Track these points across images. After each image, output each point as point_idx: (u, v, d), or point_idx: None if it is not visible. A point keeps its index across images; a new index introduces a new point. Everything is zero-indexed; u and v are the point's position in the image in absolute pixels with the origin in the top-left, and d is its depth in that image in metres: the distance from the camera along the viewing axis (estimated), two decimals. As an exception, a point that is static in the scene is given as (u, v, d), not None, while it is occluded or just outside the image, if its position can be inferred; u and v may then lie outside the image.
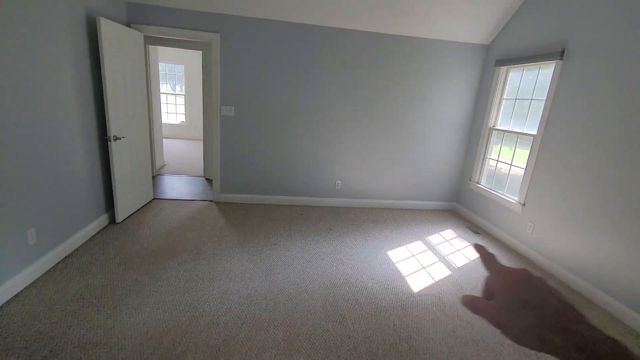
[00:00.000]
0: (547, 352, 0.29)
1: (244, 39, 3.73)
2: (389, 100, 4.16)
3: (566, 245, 2.94)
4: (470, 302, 0.37)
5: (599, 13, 2.72)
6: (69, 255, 2.68)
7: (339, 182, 4.38)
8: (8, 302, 2.08)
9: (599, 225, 2.65)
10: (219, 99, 3.88)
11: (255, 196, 4.27)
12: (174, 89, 9.19)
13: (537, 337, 0.30)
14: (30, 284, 2.27)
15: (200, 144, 8.40)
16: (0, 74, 1.98)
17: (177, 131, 9.24)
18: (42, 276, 2.37)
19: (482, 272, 2.97)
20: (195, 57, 8.57)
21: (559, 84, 3.08)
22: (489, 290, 0.38)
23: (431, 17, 3.67)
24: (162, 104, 7.07)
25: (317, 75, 3.96)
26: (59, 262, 2.56)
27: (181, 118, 9.37)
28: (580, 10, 2.89)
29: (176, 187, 4.74)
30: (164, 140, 8.09)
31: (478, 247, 0.42)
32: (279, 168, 4.23)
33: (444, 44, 4.03)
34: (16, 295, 2.14)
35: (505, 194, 3.78)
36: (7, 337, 1.82)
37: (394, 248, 3.33)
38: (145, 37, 4.07)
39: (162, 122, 7.43)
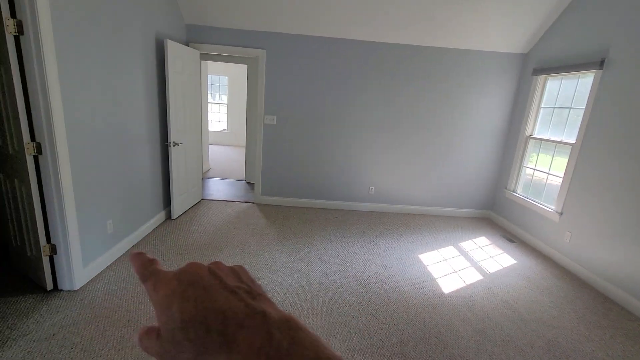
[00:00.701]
0: None
1: (287, 54, 4.07)
2: (424, 108, 4.29)
3: (605, 255, 2.90)
4: (142, 339, 0.26)
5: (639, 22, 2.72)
6: (136, 244, 3.09)
7: (373, 187, 4.55)
8: (93, 279, 2.48)
9: (639, 235, 2.61)
10: (262, 108, 4.23)
11: (294, 199, 4.56)
12: (214, 98, 9.86)
13: None
14: (108, 267, 2.68)
15: (240, 150, 8.93)
16: (94, 89, 2.41)
17: (219, 138, 9.88)
18: (116, 260, 2.78)
19: (514, 278, 3.01)
20: (238, 69, 9.17)
21: (598, 93, 3.07)
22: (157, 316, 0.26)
23: (467, 29, 3.78)
24: (208, 113, 7.65)
25: (353, 85, 4.19)
26: (128, 250, 2.97)
27: (223, 126, 10.00)
28: (620, 20, 2.89)
29: (221, 189, 5.16)
30: (209, 146, 8.70)
31: (134, 257, 0.28)
32: (317, 173, 4.49)
33: (480, 54, 4.11)
34: (99, 274, 2.56)
35: (542, 202, 3.75)
36: (94, 308, 2.19)
37: (425, 252, 3.44)
38: (200, 53, 4.54)
39: (208, 129, 8.03)
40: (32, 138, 2.07)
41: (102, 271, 2.61)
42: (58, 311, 2.12)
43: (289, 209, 4.44)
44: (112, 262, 2.75)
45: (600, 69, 3.03)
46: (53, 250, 2.26)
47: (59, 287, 2.33)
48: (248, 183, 5.60)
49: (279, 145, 4.37)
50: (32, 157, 2.09)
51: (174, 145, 3.56)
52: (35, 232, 2.19)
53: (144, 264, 0.28)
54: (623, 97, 2.83)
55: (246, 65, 5.26)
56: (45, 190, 2.16)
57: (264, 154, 4.41)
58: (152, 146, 3.34)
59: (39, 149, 2.08)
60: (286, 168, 4.46)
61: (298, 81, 4.16)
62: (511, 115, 4.34)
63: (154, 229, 3.46)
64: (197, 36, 3.99)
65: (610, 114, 2.94)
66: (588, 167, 3.13)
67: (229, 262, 2.88)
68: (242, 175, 6.12)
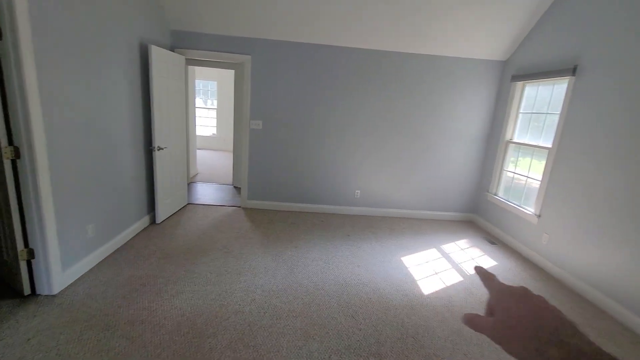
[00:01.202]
0: None
1: (272, 60, 4.12)
2: (408, 113, 4.38)
3: (580, 256, 2.98)
4: (471, 320, 0.38)
5: (608, 30, 2.84)
6: (118, 248, 3.08)
7: (358, 191, 4.61)
8: (72, 284, 2.47)
9: (613, 236, 2.70)
10: (248, 113, 4.27)
11: (279, 203, 4.58)
12: (205, 103, 9.87)
13: (535, 350, 0.31)
14: (89, 271, 2.67)
15: (230, 155, 8.92)
16: (75, 93, 2.42)
17: (208, 143, 9.86)
18: (97, 264, 2.77)
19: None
20: (227, 74, 9.20)
21: (572, 99, 3.18)
22: (490, 309, 0.39)
23: (449, 37, 3.89)
24: (196, 118, 7.65)
25: (339, 90, 4.26)
26: (110, 254, 2.96)
27: (212, 130, 9.99)
28: (590, 28, 3.01)
29: (207, 193, 5.16)
30: (197, 151, 8.68)
31: (478, 269, 0.44)
32: (302, 177, 4.53)
33: (462, 61, 4.22)
34: (79, 279, 2.54)
35: (521, 205, 3.84)
36: (73, 311, 2.18)
37: (408, 254, 3.50)
38: (186, 59, 4.57)
39: (196, 134, 8.01)
40: (10, 142, 2.07)
41: (82, 275, 2.60)
42: (35, 316, 2.11)
43: (275, 212, 4.46)
44: (94, 266, 2.74)
45: (573, 75, 3.15)
46: (31, 254, 2.24)
47: (37, 292, 2.31)
48: (235, 187, 5.61)
49: (265, 150, 4.41)
50: (10, 161, 2.09)
51: (158, 150, 3.57)
52: (13, 236, 2.18)
53: (485, 276, 0.42)
54: (595, 101, 2.94)
55: (233, 71, 5.30)
56: (23, 194, 2.15)
57: (250, 159, 4.43)
58: (136, 150, 3.34)
59: (17, 153, 2.08)
60: (272, 172, 4.49)
61: (283, 86, 4.21)
62: (492, 120, 4.46)
63: (138, 233, 3.45)
64: (182, 42, 4.03)
65: (584, 119, 3.04)
66: (564, 171, 3.23)
67: (212, 265, 2.89)
68: (230, 179, 6.12)
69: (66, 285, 2.44)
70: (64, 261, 2.42)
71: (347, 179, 4.57)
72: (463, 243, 3.93)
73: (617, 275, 2.65)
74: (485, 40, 3.95)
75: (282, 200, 4.59)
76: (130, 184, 3.29)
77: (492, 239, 4.11)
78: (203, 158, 8.19)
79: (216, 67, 5.13)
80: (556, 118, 3.41)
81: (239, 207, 4.59)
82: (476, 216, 4.71)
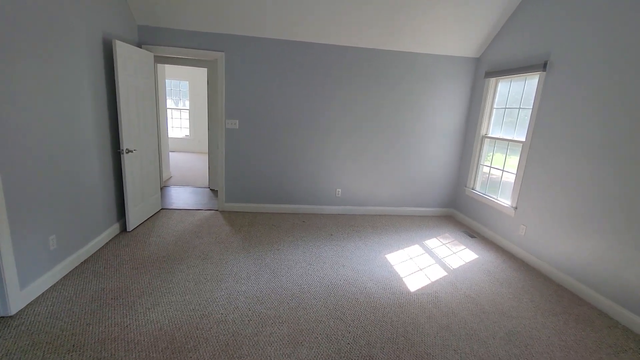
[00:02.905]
0: None
1: (247, 57, 3.98)
2: (386, 111, 4.37)
3: (555, 246, 3.08)
4: None
5: (577, 27, 2.94)
6: (85, 260, 2.85)
7: (339, 190, 4.55)
8: (32, 303, 2.24)
9: (584, 225, 2.80)
10: (223, 112, 4.10)
11: (259, 205, 4.44)
12: (177, 104, 9.49)
13: None
14: (51, 287, 2.43)
15: (204, 157, 8.64)
16: (28, 92, 2.19)
17: (181, 145, 9.50)
18: (61, 279, 2.54)
19: (476, 273, 3.11)
20: (199, 73, 8.90)
21: (543, 93, 3.28)
22: None
23: (424, 33, 3.91)
24: (167, 119, 7.32)
25: (317, 89, 4.18)
26: (76, 267, 2.73)
27: (185, 132, 9.64)
28: (560, 25, 3.11)
29: (182, 197, 4.92)
30: (170, 153, 8.33)
31: None
32: (282, 177, 4.41)
33: (436, 58, 4.27)
34: (39, 297, 2.31)
35: (498, 198, 3.93)
36: (33, 334, 1.97)
37: (392, 252, 3.48)
38: (154, 56, 4.33)
39: (168, 136, 7.70)
40: (-48, 147, 1.83)
41: (44, 292, 2.36)
42: (-12, 341, 1.88)
43: (255, 215, 4.33)
44: (57, 282, 2.50)
45: (543, 71, 3.24)
46: (-18, 272, 2.00)
47: (-9, 314, 2.07)
48: (212, 190, 5.41)
49: (242, 150, 4.26)
50: (-47, 168, 1.85)
51: (127, 152, 3.34)
52: (-41, 253, 1.94)
53: None
54: (564, 96, 3.04)
55: (206, 69, 5.10)
56: (-30, 205, 1.91)
57: (226, 159, 4.27)
58: (102, 154, 3.10)
59: (-40, 159, 1.85)
60: (250, 173, 4.35)
61: (259, 85, 4.08)
62: (467, 116, 4.54)
63: (107, 243, 3.21)
64: (150, 38, 3.80)
65: (554, 112, 3.14)
66: (537, 163, 3.33)
67: (190, 273, 2.73)
68: (206, 182, 5.89)
69: (25, 304, 2.21)
70: (22, 278, 2.19)
71: (328, 178, 4.50)
72: (444, 238, 3.97)
73: (590, 263, 2.74)
74: (458, 38, 4.01)
75: (261, 202, 4.45)
76: (97, 190, 3.05)
77: (472, 233, 4.18)
78: (176, 161, 7.86)
79: (187, 65, 4.91)
80: (528, 113, 3.51)
81: (217, 210, 4.41)
82: (455, 211, 4.79)
